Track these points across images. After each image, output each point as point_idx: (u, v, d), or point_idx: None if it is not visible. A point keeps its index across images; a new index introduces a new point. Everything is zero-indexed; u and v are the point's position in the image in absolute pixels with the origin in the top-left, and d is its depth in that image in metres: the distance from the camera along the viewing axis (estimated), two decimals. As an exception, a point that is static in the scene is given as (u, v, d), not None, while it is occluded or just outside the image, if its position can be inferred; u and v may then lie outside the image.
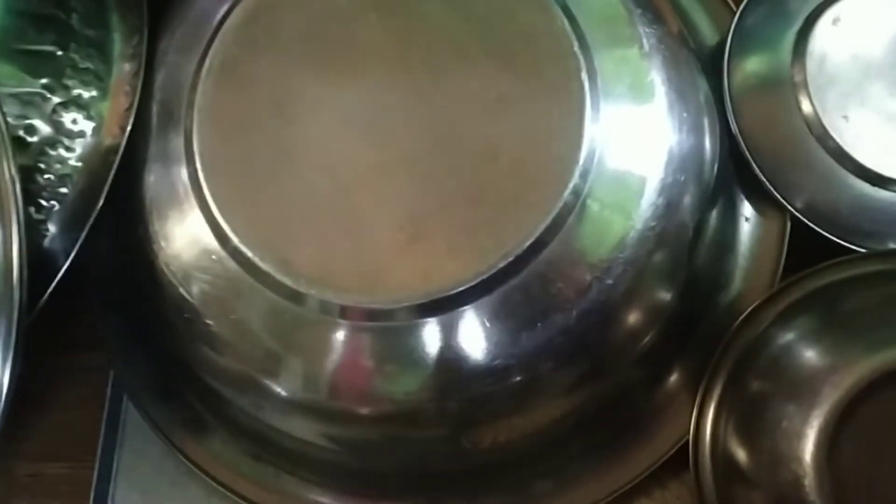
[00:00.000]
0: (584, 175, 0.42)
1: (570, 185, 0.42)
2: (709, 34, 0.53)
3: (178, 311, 0.46)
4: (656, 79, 0.45)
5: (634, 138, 0.44)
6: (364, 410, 0.45)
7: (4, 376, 0.44)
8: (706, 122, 0.48)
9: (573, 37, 0.44)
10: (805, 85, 0.48)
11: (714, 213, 0.49)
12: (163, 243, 0.46)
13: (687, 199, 0.45)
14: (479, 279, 0.42)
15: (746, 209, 0.51)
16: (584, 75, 0.43)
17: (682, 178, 0.45)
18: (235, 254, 0.44)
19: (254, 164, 0.45)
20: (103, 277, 0.53)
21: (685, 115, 0.45)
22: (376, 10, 0.46)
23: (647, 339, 0.47)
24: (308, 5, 0.46)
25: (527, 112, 0.43)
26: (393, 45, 0.45)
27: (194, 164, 0.45)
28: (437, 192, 0.43)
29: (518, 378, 0.44)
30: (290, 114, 0.45)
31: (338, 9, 0.46)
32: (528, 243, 0.42)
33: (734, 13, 0.50)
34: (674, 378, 0.50)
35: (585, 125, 0.43)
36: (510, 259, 0.42)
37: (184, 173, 0.45)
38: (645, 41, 0.45)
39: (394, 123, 0.44)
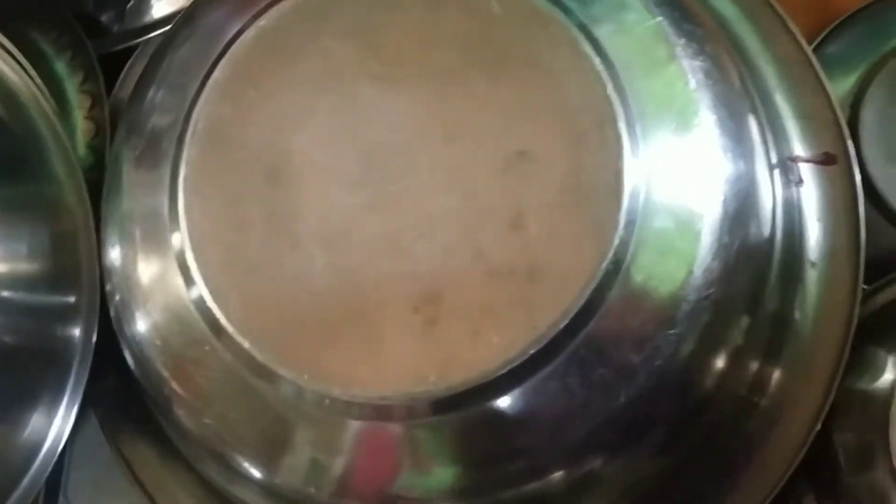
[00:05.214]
0: (625, 241, 0.36)
1: (610, 254, 0.36)
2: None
3: (168, 402, 0.42)
4: (706, 121, 0.38)
5: (683, 194, 0.37)
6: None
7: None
8: (760, 162, 0.41)
9: (607, 77, 0.38)
10: None
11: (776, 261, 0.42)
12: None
13: (744, 259, 0.39)
14: (507, 368, 0.36)
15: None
16: (620, 123, 0.37)
17: (739, 239, 0.38)
18: (231, 345, 0.39)
19: (246, 239, 0.40)
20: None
21: (741, 163, 0.39)
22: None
23: (707, 412, 0.41)
24: (305, 59, 0.41)
25: (555, 168, 0.37)
26: (401, 98, 0.40)
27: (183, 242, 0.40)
28: (456, 265, 0.37)
29: (560, 475, 0.38)
30: (284, 179, 0.40)
31: (338, 63, 0.40)
32: (563, 324, 0.36)
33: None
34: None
35: (624, 181, 0.37)
36: (543, 343, 0.36)
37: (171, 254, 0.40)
38: (691, 77, 0.38)
39: (403, 188, 0.39)
